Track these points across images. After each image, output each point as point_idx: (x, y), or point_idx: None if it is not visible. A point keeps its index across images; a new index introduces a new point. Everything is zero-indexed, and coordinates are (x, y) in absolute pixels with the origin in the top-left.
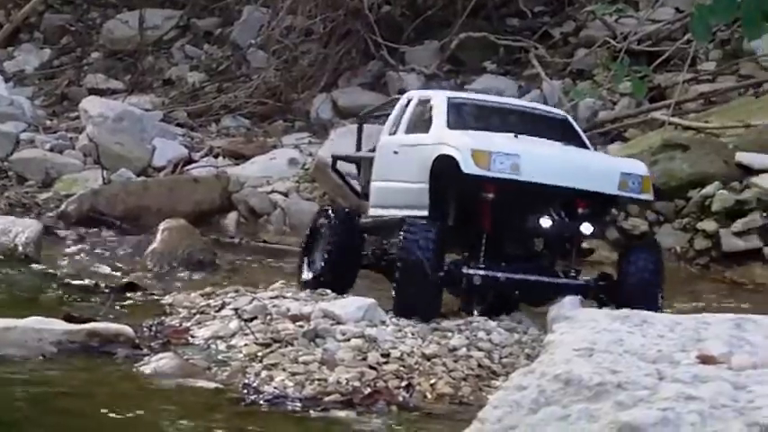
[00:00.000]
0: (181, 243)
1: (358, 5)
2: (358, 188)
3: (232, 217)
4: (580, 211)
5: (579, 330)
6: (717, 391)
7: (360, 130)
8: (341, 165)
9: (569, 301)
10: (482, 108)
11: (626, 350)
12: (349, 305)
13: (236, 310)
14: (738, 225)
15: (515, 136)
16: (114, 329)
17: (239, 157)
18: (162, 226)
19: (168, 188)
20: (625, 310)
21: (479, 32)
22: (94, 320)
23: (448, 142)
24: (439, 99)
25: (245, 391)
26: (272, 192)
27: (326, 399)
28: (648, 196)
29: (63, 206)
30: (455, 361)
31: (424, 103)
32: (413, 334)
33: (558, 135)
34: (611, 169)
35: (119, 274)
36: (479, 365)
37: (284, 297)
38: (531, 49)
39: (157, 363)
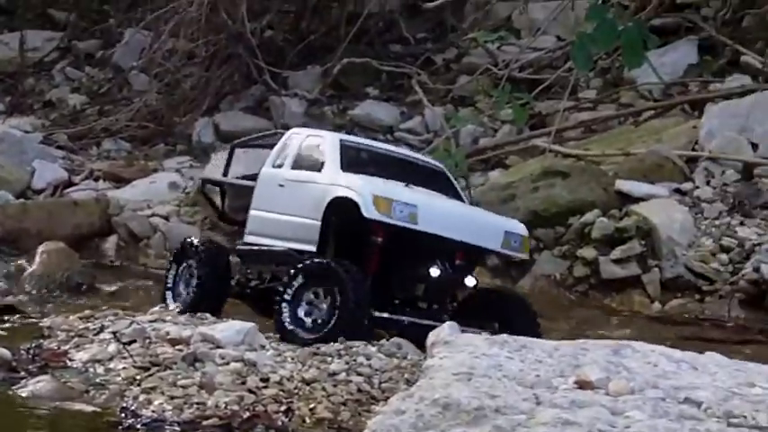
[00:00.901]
0: (60, 266)
1: (240, 29)
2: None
3: (112, 240)
4: (458, 262)
5: (458, 355)
6: (594, 417)
7: (230, 157)
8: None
9: (449, 325)
10: (371, 153)
11: (505, 375)
12: (228, 329)
13: (114, 333)
14: (617, 252)
15: (407, 185)
16: None
17: (120, 181)
18: (40, 249)
19: (47, 211)
20: (504, 335)
21: (362, 58)
22: None
23: (346, 185)
24: (331, 140)
25: (123, 414)
26: (153, 215)
27: (205, 423)
28: (525, 255)
29: None
30: (334, 386)
31: (314, 141)
32: (292, 359)
33: (438, 186)
34: (496, 227)
35: None
36: (359, 390)
37: (164, 320)
38: (413, 76)
39: (35, 386)
